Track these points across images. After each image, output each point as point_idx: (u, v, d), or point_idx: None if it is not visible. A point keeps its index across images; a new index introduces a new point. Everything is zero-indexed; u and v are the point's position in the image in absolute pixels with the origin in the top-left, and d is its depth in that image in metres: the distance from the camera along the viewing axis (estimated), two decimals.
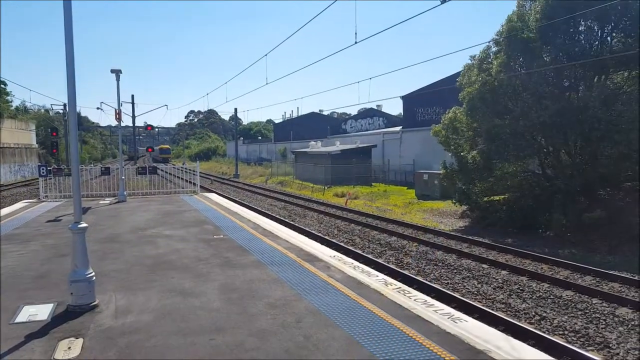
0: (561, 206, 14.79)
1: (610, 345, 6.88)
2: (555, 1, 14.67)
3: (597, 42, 15.13)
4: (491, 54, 17.16)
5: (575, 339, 7.15)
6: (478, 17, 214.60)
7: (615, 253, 12.39)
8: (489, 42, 17.34)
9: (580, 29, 15.22)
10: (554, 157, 15.98)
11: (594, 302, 8.56)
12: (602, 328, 7.48)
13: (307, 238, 9.34)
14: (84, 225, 5.03)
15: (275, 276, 6.15)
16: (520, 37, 15.33)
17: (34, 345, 4.04)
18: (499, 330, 5.44)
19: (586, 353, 6.33)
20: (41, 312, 4.81)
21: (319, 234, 14.73)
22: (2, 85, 46.13)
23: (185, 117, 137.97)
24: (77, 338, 4.17)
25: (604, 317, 7.86)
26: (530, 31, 15.19)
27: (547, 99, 14.87)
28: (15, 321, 4.60)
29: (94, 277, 5.07)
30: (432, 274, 10.59)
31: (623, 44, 14.24)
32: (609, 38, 15.02)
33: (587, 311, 8.16)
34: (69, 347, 3.97)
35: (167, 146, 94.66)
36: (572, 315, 8.04)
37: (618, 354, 6.64)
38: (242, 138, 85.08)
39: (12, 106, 49.27)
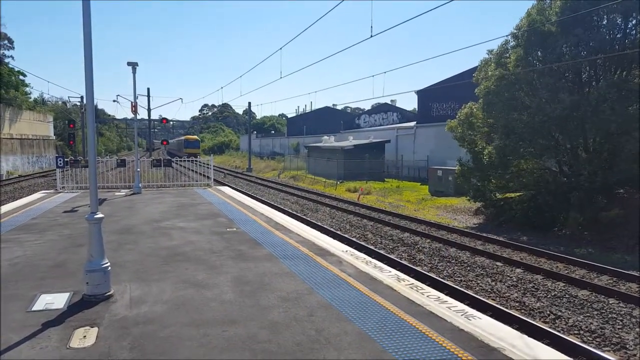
0: (578, 204, 14.52)
1: (627, 346, 6.74)
2: None
3: (619, 36, 14.76)
4: (509, 48, 16.87)
5: (591, 339, 7.02)
6: (496, 11, 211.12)
7: (632, 252, 12.13)
8: (507, 36, 17.04)
9: (603, 22, 14.86)
10: (572, 154, 15.69)
11: (610, 302, 8.40)
12: (618, 328, 7.33)
13: (319, 232, 9.34)
14: (100, 215, 5.09)
15: (287, 270, 6.16)
16: (539, 30, 15.03)
17: (50, 333, 4.11)
18: (513, 328, 5.37)
19: (602, 353, 6.22)
20: (57, 300, 4.90)
21: (331, 229, 14.72)
22: (21, 77, 46.98)
23: (200, 110, 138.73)
24: (92, 327, 4.23)
25: (621, 318, 7.71)
26: (551, 24, 14.87)
27: (563, 92, 14.58)
28: (32, 309, 4.68)
29: (110, 267, 5.13)
30: (446, 271, 10.50)
31: None
32: (633, 32, 14.63)
33: (604, 311, 8.01)
34: (84, 336, 4.04)
35: (196, 137, 72.26)
36: (588, 315, 7.90)
37: (635, 355, 6.51)
38: (255, 132, 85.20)
39: (30, 98, 50.17)
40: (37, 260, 6.54)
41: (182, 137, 73.24)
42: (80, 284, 5.20)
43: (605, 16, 14.60)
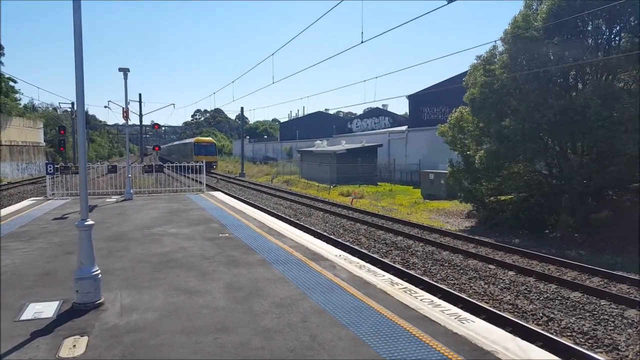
0: (568, 207, 14.65)
1: (619, 347, 6.79)
2: (563, 1, 14.55)
3: (604, 42, 14.99)
4: (497, 53, 17.08)
5: (583, 340, 7.06)
6: (485, 17, 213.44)
7: (623, 254, 12.25)
8: (495, 41, 17.27)
9: (588, 28, 15.08)
10: (562, 157, 15.84)
11: (602, 303, 8.46)
12: (610, 330, 7.39)
13: (312, 237, 9.32)
14: (90, 222, 5.03)
15: (280, 275, 6.13)
16: (525, 37, 15.22)
17: (39, 342, 4.03)
18: (506, 331, 5.38)
19: (595, 355, 6.25)
20: (47, 309, 4.82)
21: (325, 233, 14.70)
22: (12, 83, 46.51)
23: (192, 116, 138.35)
24: (82, 336, 4.16)
25: (613, 319, 7.77)
26: (536, 30, 15.07)
27: (551, 97, 14.76)
28: (21, 318, 4.60)
29: (100, 275, 5.06)
30: (439, 274, 10.52)
31: (632, 43, 14.07)
32: (617, 38, 14.87)
33: (595, 312, 8.06)
34: (74, 345, 3.97)
35: (210, 139, 53.26)
36: (580, 316, 7.95)
37: (627, 356, 6.56)
38: (248, 137, 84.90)
39: (20, 104, 49.69)
40: (26, 269, 6.44)
41: (190, 140, 53.37)
42: (70, 292, 5.13)
43: (590, 22, 14.82)
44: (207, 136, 66.52)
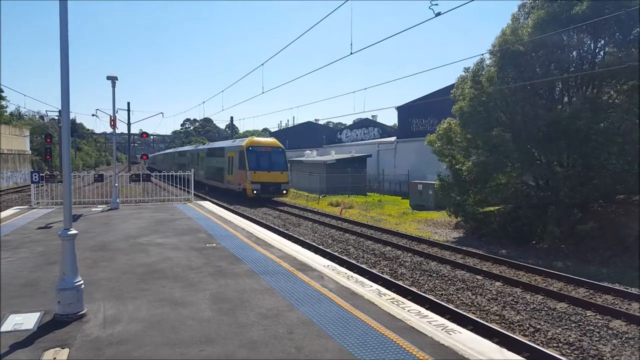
0: (555, 218, 14.82)
1: (605, 358, 6.83)
2: (549, 15, 14.88)
3: (589, 55, 15.33)
4: (485, 66, 17.35)
5: (569, 351, 7.10)
6: (473, 30, 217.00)
7: (608, 265, 12.40)
8: (482, 54, 17.57)
9: (572, 42, 15.43)
10: (547, 168, 16.06)
11: (588, 314, 8.54)
12: (596, 340, 7.44)
13: (301, 247, 9.28)
14: (73, 232, 4.96)
15: (267, 286, 6.08)
16: (512, 50, 15.51)
17: (18, 355, 3.93)
18: (493, 342, 5.39)
19: None
20: (27, 321, 4.71)
21: (313, 243, 14.65)
22: None
23: (181, 125, 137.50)
24: (63, 348, 4.07)
25: (598, 330, 7.83)
26: (523, 44, 15.37)
27: (540, 108, 15.01)
28: (0, 330, 4.49)
29: (83, 286, 4.97)
30: (426, 285, 10.53)
31: (615, 57, 14.40)
32: (601, 52, 15.22)
33: (581, 323, 8.12)
34: (54, 358, 3.88)
35: (274, 141, 30.50)
36: (566, 327, 8.00)
37: None
38: None
39: (6, 112, 49.02)
40: (8, 279, 6.30)
41: (233, 143, 30.62)
42: (52, 303, 5.02)
43: (575, 36, 15.16)
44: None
